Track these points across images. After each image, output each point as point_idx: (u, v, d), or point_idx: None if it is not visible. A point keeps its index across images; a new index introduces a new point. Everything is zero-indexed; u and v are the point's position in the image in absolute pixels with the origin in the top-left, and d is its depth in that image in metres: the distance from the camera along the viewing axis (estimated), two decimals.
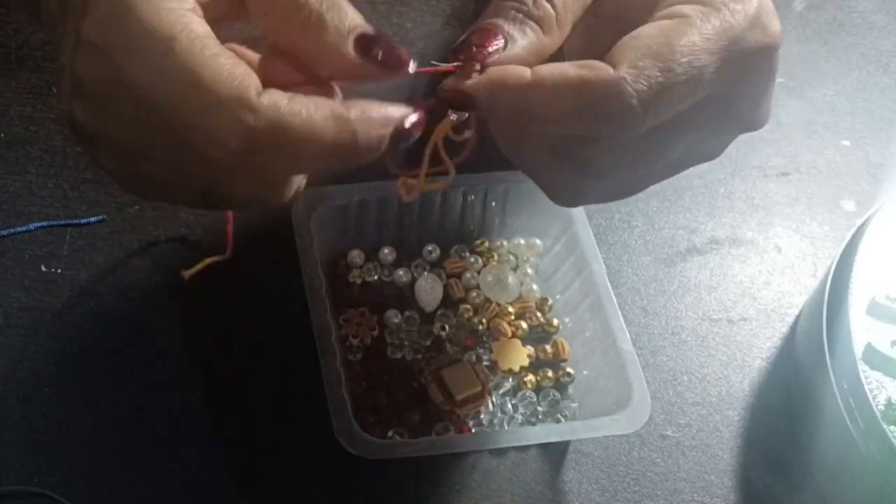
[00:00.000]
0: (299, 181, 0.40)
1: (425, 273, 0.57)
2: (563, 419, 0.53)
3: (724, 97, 0.40)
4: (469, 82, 0.37)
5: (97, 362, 0.54)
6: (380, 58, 0.36)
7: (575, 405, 0.54)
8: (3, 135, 0.61)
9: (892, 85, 0.72)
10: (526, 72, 0.37)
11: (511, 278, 0.57)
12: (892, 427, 0.49)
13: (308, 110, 0.34)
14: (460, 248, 0.59)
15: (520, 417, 0.53)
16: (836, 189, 0.66)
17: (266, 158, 0.35)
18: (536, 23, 0.39)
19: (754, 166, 0.67)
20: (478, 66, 0.38)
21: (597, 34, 0.42)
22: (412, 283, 0.57)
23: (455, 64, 0.38)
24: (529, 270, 0.58)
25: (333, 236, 0.56)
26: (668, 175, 0.43)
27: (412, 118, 0.36)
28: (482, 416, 0.53)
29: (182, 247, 0.58)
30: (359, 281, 0.57)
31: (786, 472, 0.55)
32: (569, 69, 0.37)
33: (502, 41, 0.38)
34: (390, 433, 0.51)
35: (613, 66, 0.37)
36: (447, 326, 0.55)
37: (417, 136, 0.37)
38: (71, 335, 0.54)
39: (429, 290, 0.56)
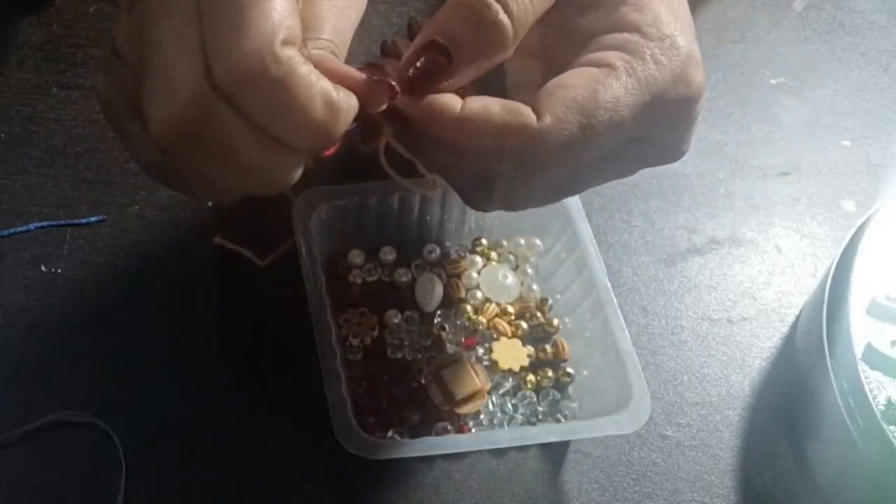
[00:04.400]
0: (294, 170, 0.39)
1: (425, 273, 0.57)
2: (563, 419, 0.53)
3: (643, 140, 0.42)
4: (404, 102, 0.39)
5: (97, 362, 0.54)
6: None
7: (575, 405, 0.54)
8: (3, 135, 0.61)
9: (892, 85, 0.72)
10: (457, 105, 0.39)
11: (511, 278, 0.57)
12: (892, 427, 0.49)
13: (317, 80, 0.34)
14: (460, 248, 0.59)
15: (520, 417, 0.53)
16: (836, 189, 0.66)
17: (263, 110, 0.34)
18: (491, 38, 0.39)
19: (754, 166, 0.67)
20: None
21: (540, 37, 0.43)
22: (412, 283, 0.57)
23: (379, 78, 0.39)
24: (529, 270, 0.58)
25: (333, 236, 0.56)
26: (585, 189, 0.45)
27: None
28: (482, 416, 0.53)
29: (182, 247, 0.58)
30: (359, 281, 0.57)
31: (786, 472, 0.55)
32: (495, 111, 0.39)
33: (448, 66, 0.39)
34: (390, 433, 0.51)
35: (538, 114, 0.39)
36: (447, 326, 0.55)
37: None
38: (71, 335, 0.54)
39: (429, 289, 0.56)
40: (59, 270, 0.56)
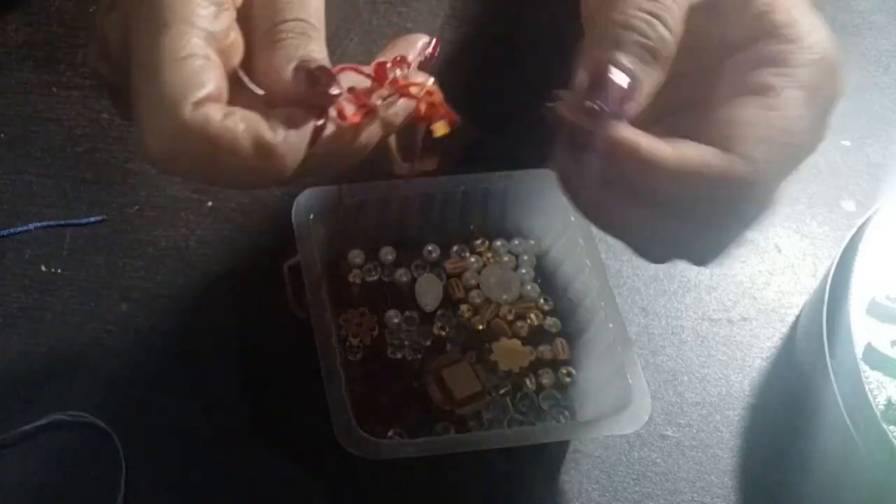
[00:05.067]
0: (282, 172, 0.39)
1: (425, 273, 0.57)
2: (563, 420, 0.53)
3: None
4: (605, 131, 0.36)
5: (97, 362, 0.54)
6: (311, 92, 0.37)
7: (575, 406, 0.54)
8: (3, 135, 0.61)
9: (892, 85, 0.72)
10: (666, 151, 0.36)
11: (511, 278, 0.57)
12: (892, 427, 0.49)
13: (236, 129, 0.35)
14: (460, 248, 0.59)
15: (520, 417, 0.53)
16: (836, 189, 0.66)
17: (188, 161, 0.36)
18: (656, 58, 0.38)
19: None
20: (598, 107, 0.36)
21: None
22: (412, 283, 0.57)
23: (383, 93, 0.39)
24: (530, 270, 0.58)
25: (333, 236, 0.56)
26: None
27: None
28: (483, 416, 0.53)
29: (182, 247, 0.58)
30: (359, 281, 0.57)
31: (786, 472, 0.55)
32: (712, 162, 0.36)
33: (628, 85, 0.37)
34: (390, 433, 0.51)
35: (740, 155, 0.36)
36: (447, 327, 0.55)
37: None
38: (71, 335, 0.54)
39: (429, 290, 0.57)
40: (59, 270, 0.56)
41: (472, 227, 0.59)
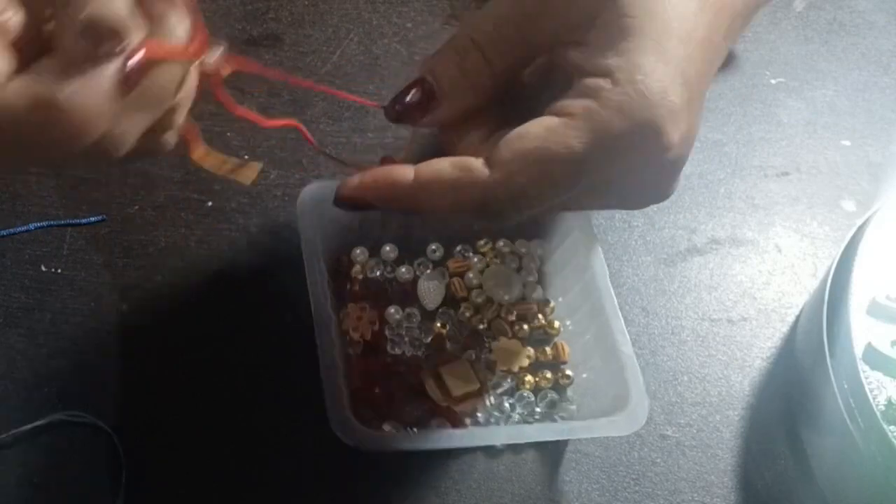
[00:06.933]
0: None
1: (428, 271, 0.57)
2: (560, 420, 0.53)
3: (612, 186, 0.41)
4: (354, 185, 0.42)
5: (97, 363, 0.54)
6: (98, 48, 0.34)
7: (573, 407, 0.54)
8: None
9: (892, 85, 0.72)
10: (409, 173, 0.41)
11: (514, 279, 0.57)
12: (892, 427, 0.49)
13: (10, 91, 0.34)
14: (464, 247, 0.59)
15: (517, 417, 0.53)
16: (836, 189, 0.66)
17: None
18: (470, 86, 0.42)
19: (754, 166, 0.67)
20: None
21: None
22: (414, 281, 0.57)
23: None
24: (532, 272, 0.58)
25: (338, 232, 0.56)
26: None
27: (134, 60, 0.35)
28: (479, 414, 0.53)
29: (182, 247, 0.58)
30: (361, 277, 0.57)
31: (786, 472, 0.55)
32: (446, 170, 0.40)
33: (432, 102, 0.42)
34: (387, 427, 0.51)
35: (491, 165, 0.39)
36: (448, 325, 0.56)
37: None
38: (71, 335, 0.54)
39: (431, 288, 0.57)
40: (59, 270, 0.56)
41: (475, 228, 0.59)
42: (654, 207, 0.63)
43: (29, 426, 0.51)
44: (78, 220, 0.58)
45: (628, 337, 0.52)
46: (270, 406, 0.53)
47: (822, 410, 0.52)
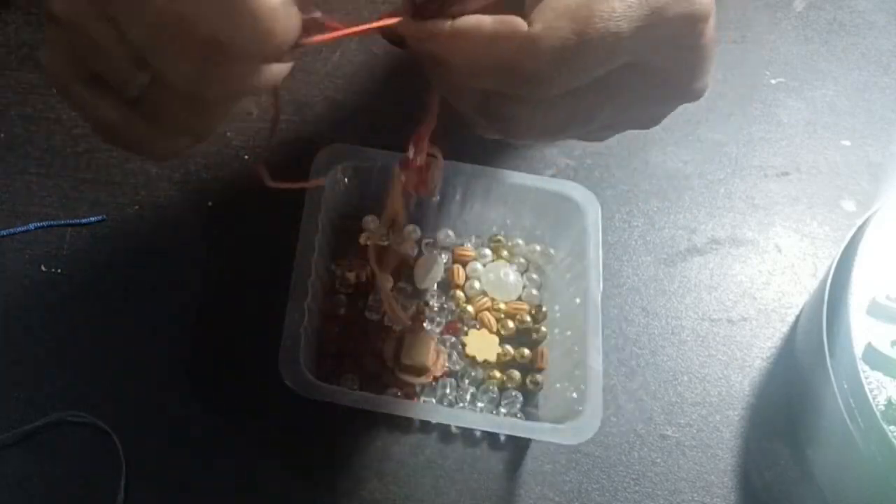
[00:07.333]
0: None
1: (434, 252, 0.58)
2: (517, 417, 0.53)
3: (647, 66, 0.40)
4: (402, 24, 0.40)
5: (97, 363, 0.54)
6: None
7: (535, 411, 0.54)
8: (3, 135, 0.61)
9: (892, 85, 0.72)
10: (446, 22, 0.39)
11: (513, 279, 0.57)
12: (892, 427, 0.49)
13: None
14: (477, 240, 0.59)
15: (477, 409, 0.53)
16: (836, 189, 0.66)
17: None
18: None
19: (754, 166, 0.67)
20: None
21: None
22: (417, 258, 0.57)
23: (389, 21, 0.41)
24: (535, 276, 0.58)
25: (350, 195, 0.56)
26: (607, 135, 0.44)
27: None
28: (442, 396, 0.53)
29: (182, 247, 0.58)
30: (368, 244, 0.57)
31: (786, 472, 0.55)
32: (485, 22, 0.38)
33: None
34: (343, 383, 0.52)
35: (530, 23, 0.38)
36: (430, 303, 0.56)
37: None
38: (71, 335, 0.54)
39: (428, 267, 0.57)
40: (59, 270, 0.56)
41: (490, 223, 0.59)
42: (654, 207, 0.64)
43: (29, 426, 0.51)
44: (78, 220, 0.58)
45: (601, 354, 0.51)
46: (272, 407, 0.53)
47: (821, 410, 0.52)
